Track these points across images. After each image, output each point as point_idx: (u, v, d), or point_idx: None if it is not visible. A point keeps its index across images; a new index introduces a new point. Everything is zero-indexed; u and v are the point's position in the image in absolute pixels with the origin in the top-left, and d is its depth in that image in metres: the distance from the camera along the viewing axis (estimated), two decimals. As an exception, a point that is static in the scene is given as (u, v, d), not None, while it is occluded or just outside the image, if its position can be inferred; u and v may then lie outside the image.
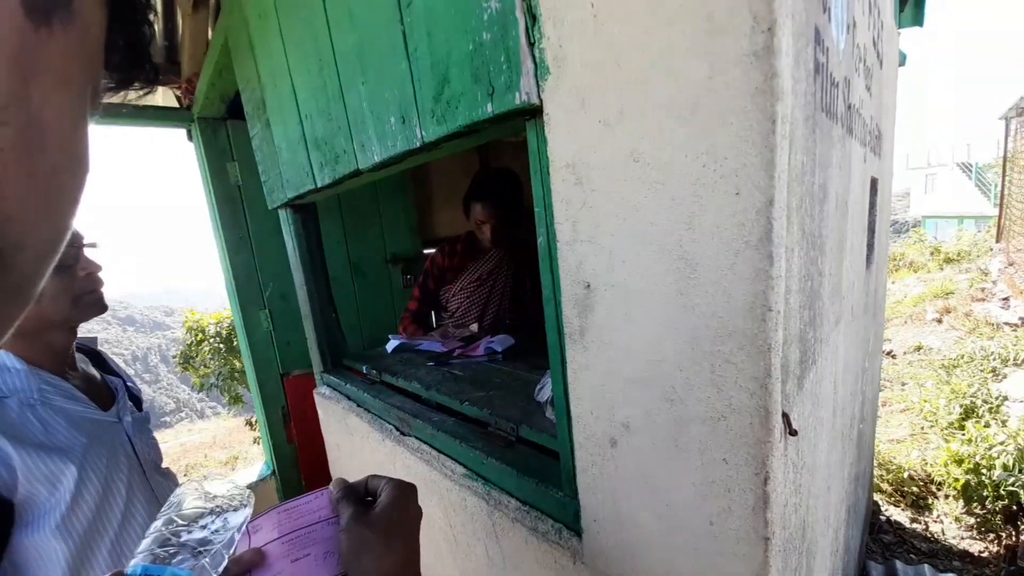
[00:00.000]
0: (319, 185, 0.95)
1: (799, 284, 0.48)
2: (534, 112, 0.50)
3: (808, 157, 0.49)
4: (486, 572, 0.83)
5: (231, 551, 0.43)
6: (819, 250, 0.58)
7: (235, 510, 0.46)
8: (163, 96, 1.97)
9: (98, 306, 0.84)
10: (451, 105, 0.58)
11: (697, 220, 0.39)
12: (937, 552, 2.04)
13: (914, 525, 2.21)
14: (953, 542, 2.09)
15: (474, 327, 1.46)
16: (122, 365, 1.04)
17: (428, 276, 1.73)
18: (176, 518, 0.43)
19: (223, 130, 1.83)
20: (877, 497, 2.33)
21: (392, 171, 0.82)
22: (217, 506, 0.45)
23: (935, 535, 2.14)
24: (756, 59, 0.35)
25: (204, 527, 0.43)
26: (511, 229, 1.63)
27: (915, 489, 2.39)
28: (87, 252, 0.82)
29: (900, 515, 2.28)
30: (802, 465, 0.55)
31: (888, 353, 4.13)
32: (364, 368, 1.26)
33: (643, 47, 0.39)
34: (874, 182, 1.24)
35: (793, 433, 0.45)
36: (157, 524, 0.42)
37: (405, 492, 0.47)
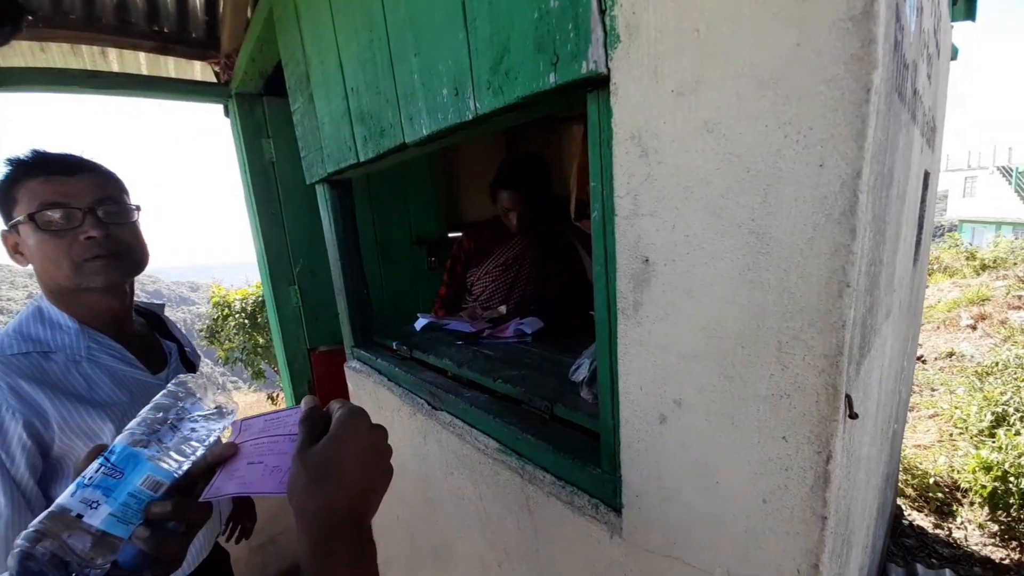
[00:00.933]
0: (361, 159, 0.96)
1: (867, 267, 0.46)
2: (599, 82, 0.49)
3: (884, 136, 0.47)
4: (515, 545, 0.84)
5: (204, 444, 0.48)
6: (881, 236, 0.56)
7: (220, 416, 0.50)
8: (201, 71, 2.01)
9: (102, 272, 0.79)
10: (510, 76, 0.57)
11: (774, 193, 0.38)
12: (959, 558, 2.01)
13: (937, 531, 2.17)
14: (975, 548, 2.06)
15: (502, 309, 1.47)
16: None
17: (455, 260, 1.74)
18: (166, 404, 0.47)
19: (259, 106, 1.86)
20: (900, 502, 2.29)
21: (438, 145, 0.82)
22: (204, 405, 0.49)
23: (957, 541, 2.10)
24: (853, 24, 0.34)
25: (185, 420, 0.47)
26: (538, 216, 1.62)
27: (940, 495, 2.34)
28: (107, 212, 0.79)
29: (923, 520, 2.24)
30: (852, 452, 0.55)
31: (919, 358, 4.01)
32: (394, 344, 1.28)
33: (727, 14, 0.38)
34: (926, 176, 1.19)
35: (854, 416, 0.45)
36: (145, 411, 0.46)
37: (348, 426, 0.44)
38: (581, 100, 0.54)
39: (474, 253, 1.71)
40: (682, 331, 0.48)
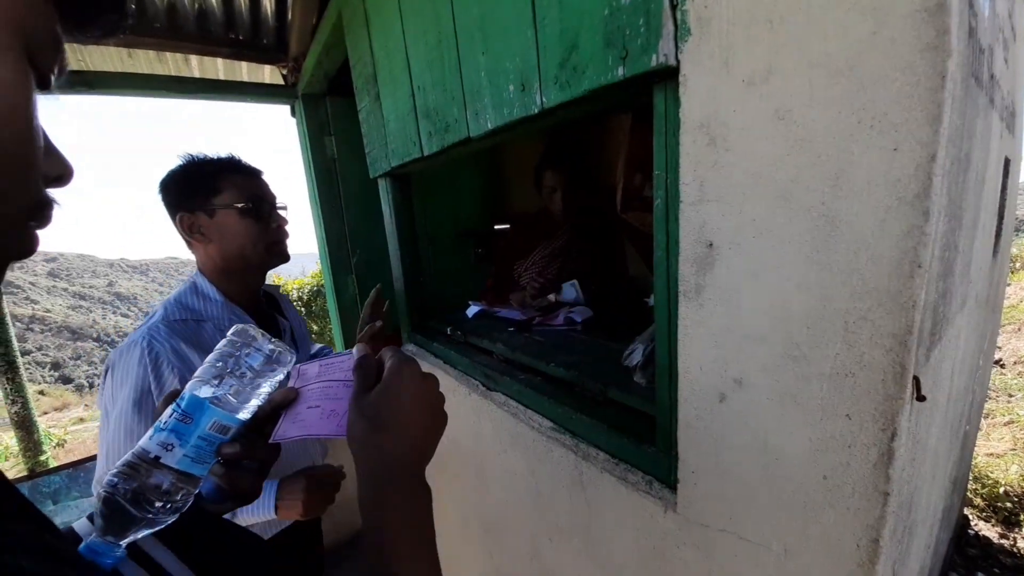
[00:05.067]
0: (426, 154, 1.02)
1: (940, 252, 0.47)
2: (667, 74, 0.52)
3: (961, 121, 0.47)
4: (567, 519, 0.89)
5: (265, 390, 0.50)
6: (957, 222, 0.55)
7: (278, 363, 0.51)
8: (270, 75, 2.15)
9: (284, 255, 1.02)
10: (577, 71, 0.61)
11: (845, 177, 0.40)
12: (1022, 568, 1.88)
13: (1002, 541, 2.04)
14: (1040, 558, 1.92)
15: (552, 297, 1.51)
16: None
17: (502, 252, 1.79)
18: (228, 352, 0.49)
19: (323, 106, 1.98)
20: (968, 512, 2.15)
21: (500, 139, 0.86)
22: (263, 353, 0.51)
23: (1022, 551, 1.97)
24: (928, 15, 0.35)
25: (245, 367, 0.49)
26: (581, 199, 1.65)
27: (1008, 504, 2.19)
28: (281, 212, 1.02)
29: (989, 530, 2.10)
30: (919, 438, 0.55)
31: (996, 361, 3.70)
32: (448, 330, 1.35)
33: (800, 6, 0.40)
34: (1007, 162, 1.12)
35: (921, 398, 0.45)
36: (210, 358, 0.49)
37: (400, 374, 0.45)
38: (647, 91, 0.56)
39: (521, 245, 1.76)
40: (745, 312, 0.50)
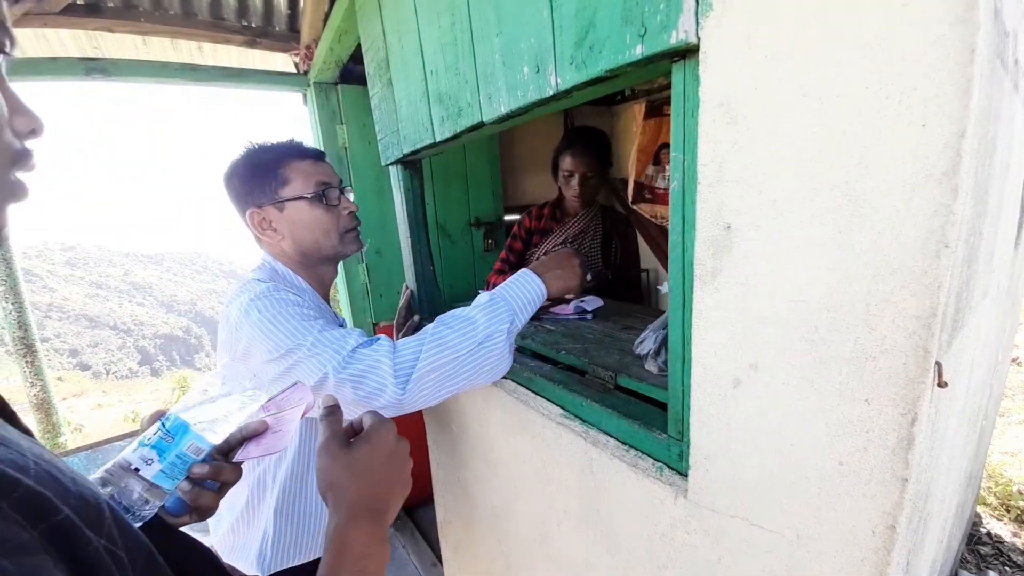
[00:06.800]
0: (438, 139, 1.01)
1: (966, 235, 0.45)
2: (687, 52, 0.51)
3: (988, 101, 0.45)
4: (576, 505, 0.89)
5: (238, 419, 0.57)
6: (983, 206, 0.54)
7: (252, 397, 0.59)
8: (282, 63, 2.16)
9: (357, 241, 0.97)
10: (594, 50, 0.60)
11: (871, 154, 0.39)
12: (1033, 564, 1.86)
13: (1014, 539, 2.02)
14: (1052, 556, 1.89)
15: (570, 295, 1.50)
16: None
17: (516, 238, 1.79)
18: (211, 382, 0.57)
19: (335, 95, 1.98)
20: (981, 510, 2.13)
21: (513, 123, 0.85)
22: (241, 388, 0.59)
23: (1033, 548, 1.95)
24: (961, -16, 0.34)
25: (223, 399, 0.56)
26: (598, 186, 1.64)
27: (1022, 503, 2.16)
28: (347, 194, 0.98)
29: (1002, 528, 2.08)
30: (937, 427, 0.54)
31: (1013, 359, 3.63)
32: (458, 318, 1.35)
33: (828, -23, 0.39)
34: (1034, 152, 1.09)
35: (943, 385, 0.44)
36: (196, 388, 0.57)
37: (378, 432, 0.53)
38: (665, 70, 0.55)
39: (536, 231, 1.76)
40: (763, 296, 0.49)
